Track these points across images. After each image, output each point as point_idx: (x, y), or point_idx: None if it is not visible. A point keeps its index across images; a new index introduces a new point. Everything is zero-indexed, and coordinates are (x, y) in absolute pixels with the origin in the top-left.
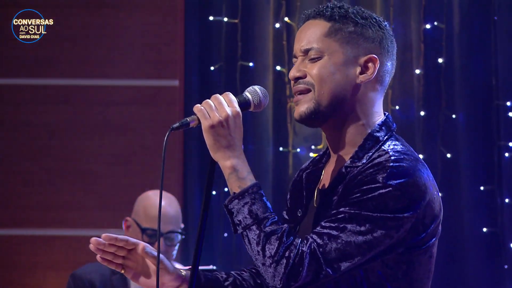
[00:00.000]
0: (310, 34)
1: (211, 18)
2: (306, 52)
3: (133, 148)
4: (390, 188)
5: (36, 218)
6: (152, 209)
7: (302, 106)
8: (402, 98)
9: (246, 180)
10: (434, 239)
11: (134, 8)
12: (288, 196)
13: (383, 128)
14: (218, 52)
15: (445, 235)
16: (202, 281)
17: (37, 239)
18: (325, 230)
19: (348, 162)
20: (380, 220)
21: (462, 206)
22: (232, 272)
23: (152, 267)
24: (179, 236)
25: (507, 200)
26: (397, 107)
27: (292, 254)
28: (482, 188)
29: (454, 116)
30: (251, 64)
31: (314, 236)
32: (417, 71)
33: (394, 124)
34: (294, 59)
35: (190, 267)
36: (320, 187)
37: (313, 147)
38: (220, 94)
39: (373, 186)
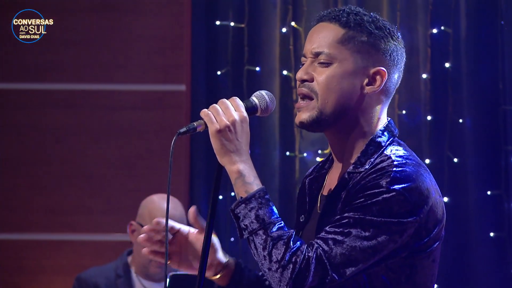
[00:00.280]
0: (323, 38)
1: (217, 22)
2: (316, 55)
3: (139, 152)
4: (394, 193)
5: (43, 222)
6: (157, 212)
7: (304, 113)
8: (409, 102)
9: (253, 185)
10: (437, 243)
11: (141, 13)
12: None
13: (385, 133)
14: (225, 56)
15: (452, 240)
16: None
17: (44, 243)
18: (330, 235)
19: (351, 168)
20: (384, 224)
21: (469, 211)
22: None
23: (194, 249)
24: None
25: None
26: (404, 112)
27: (298, 260)
28: (489, 192)
29: (461, 120)
30: (257, 68)
31: (320, 242)
32: (424, 76)
33: (397, 129)
34: (303, 59)
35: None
36: (323, 193)
37: (319, 151)
38: (227, 99)
39: (376, 191)
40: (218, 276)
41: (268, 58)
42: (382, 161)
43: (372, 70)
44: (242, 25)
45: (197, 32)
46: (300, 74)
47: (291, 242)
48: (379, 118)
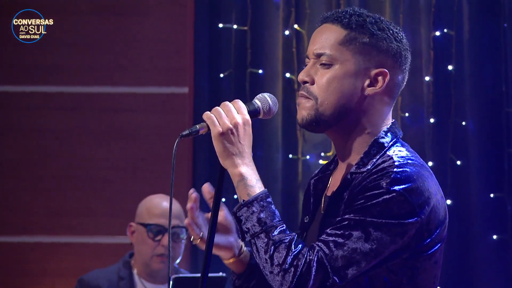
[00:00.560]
0: (325, 39)
1: (220, 25)
2: (318, 56)
3: (142, 155)
4: (394, 194)
5: (45, 225)
6: (154, 208)
7: (304, 110)
8: (411, 105)
9: (255, 187)
10: (439, 244)
11: (144, 15)
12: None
13: (388, 134)
14: (228, 59)
15: (455, 242)
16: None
17: (46, 246)
18: (331, 238)
19: (354, 168)
20: (384, 226)
21: (472, 214)
22: None
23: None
24: (185, 232)
25: None
26: (406, 114)
27: (300, 263)
28: (492, 195)
29: (464, 123)
30: (260, 71)
31: (321, 244)
32: (427, 78)
33: (400, 130)
34: (306, 60)
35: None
36: (327, 194)
37: (322, 154)
38: (230, 101)
39: (377, 192)
40: (234, 259)
41: (271, 60)
42: (383, 162)
43: (374, 71)
44: (245, 28)
45: (200, 34)
46: (301, 76)
47: (293, 246)
48: (382, 119)
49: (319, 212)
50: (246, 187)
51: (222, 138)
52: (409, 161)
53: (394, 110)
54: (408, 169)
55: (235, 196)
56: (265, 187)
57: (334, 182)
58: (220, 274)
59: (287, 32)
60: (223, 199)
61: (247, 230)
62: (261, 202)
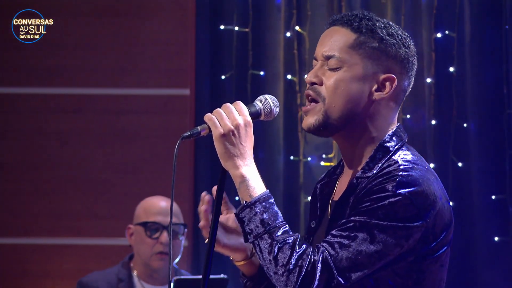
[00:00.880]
0: (334, 42)
1: (222, 27)
2: (327, 58)
3: (144, 156)
4: (400, 197)
5: (47, 226)
6: (151, 207)
7: (311, 117)
8: (413, 107)
9: (257, 189)
10: (445, 248)
11: (145, 17)
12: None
13: (393, 138)
14: (229, 61)
15: (456, 244)
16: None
17: (48, 248)
18: (336, 239)
19: (359, 173)
20: (390, 229)
21: (473, 215)
22: None
23: (222, 228)
24: (183, 228)
25: None
26: (408, 116)
27: (304, 263)
28: (493, 197)
29: (465, 125)
30: (262, 73)
31: (326, 245)
32: (428, 80)
33: (406, 134)
34: (314, 61)
35: (202, 276)
36: (333, 198)
37: (324, 156)
38: (231, 103)
39: (382, 195)
40: (246, 261)
41: (272, 62)
42: (389, 166)
43: (382, 77)
44: (246, 30)
45: (202, 36)
46: (309, 77)
47: (297, 246)
48: (388, 124)
49: (325, 217)
50: (248, 188)
51: (224, 140)
52: (415, 165)
53: None
54: (413, 173)
55: (237, 198)
56: (267, 189)
57: (340, 187)
58: (222, 276)
59: (288, 34)
60: None
61: (250, 231)
62: (264, 203)
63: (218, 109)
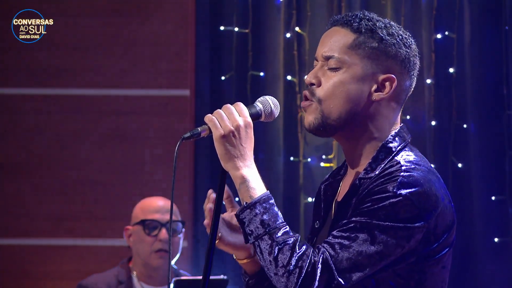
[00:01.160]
0: (334, 42)
1: (222, 28)
2: (326, 58)
3: (144, 157)
4: (401, 198)
5: (47, 227)
6: (148, 206)
7: (310, 115)
8: (413, 107)
9: (257, 190)
10: (447, 249)
11: (145, 18)
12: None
13: (396, 139)
14: (229, 62)
15: (456, 245)
16: None
17: (48, 249)
18: (336, 240)
19: (362, 174)
20: (391, 229)
21: (473, 216)
22: None
23: (226, 227)
24: (181, 226)
25: None
26: (408, 117)
27: (304, 264)
28: (493, 198)
29: (465, 125)
30: (261, 74)
31: (326, 246)
32: (428, 81)
33: (409, 134)
34: (315, 62)
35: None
36: (337, 199)
37: (324, 156)
38: (231, 104)
39: (383, 195)
40: (249, 259)
41: (272, 63)
42: (391, 166)
43: (382, 77)
44: (246, 31)
45: (202, 37)
46: (308, 78)
47: (297, 247)
48: (390, 124)
49: (329, 218)
50: (248, 189)
51: (224, 141)
52: (417, 166)
53: None
54: (415, 174)
55: (237, 199)
56: (267, 189)
57: (343, 188)
58: (222, 276)
59: (288, 35)
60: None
61: (250, 232)
62: (264, 204)
63: (219, 110)
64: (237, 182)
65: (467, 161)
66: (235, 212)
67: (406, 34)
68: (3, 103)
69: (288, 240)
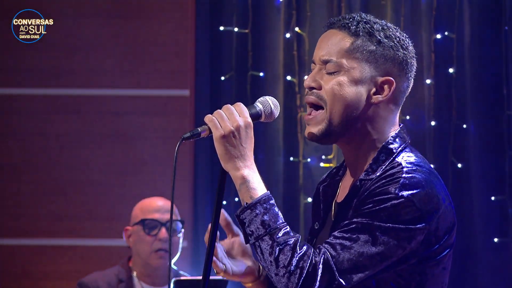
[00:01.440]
0: (331, 46)
1: (221, 28)
2: (325, 62)
3: (143, 157)
4: (402, 199)
5: (47, 227)
6: (147, 206)
7: (314, 127)
8: (412, 108)
9: (258, 190)
10: (447, 250)
11: (145, 18)
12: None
13: (396, 140)
14: (229, 62)
15: (456, 245)
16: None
17: (48, 249)
18: (338, 241)
19: (363, 175)
20: (392, 231)
21: (473, 217)
22: None
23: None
24: (181, 225)
25: None
26: (407, 117)
27: (305, 265)
28: (493, 198)
29: (465, 126)
30: (261, 74)
31: (327, 246)
32: (428, 81)
33: (409, 135)
34: (312, 65)
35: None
36: (337, 200)
37: (323, 157)
38: (231, 104)
39: (385, 197)
40: (255, 282)
41: (272, 63)
42: (392, 168)
43: (380, 80)
44: (246, 31)
45: (201, 37)
46: (308, 82)
47: (298, 247)
48: (389, 126)
49: (329, 219)
50: (249, 189)
51: (224, 141)
52: (418, 167)
53: None
54: (417, 175)
55: (237, 199)
56: (267, 190)
57: (343, 189)
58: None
59: (288, 35)
60: (224, 202)
61: (250, 232)
62: (264, 205)
63: (219, 110)
64: (237, 183)
65: (467, 161)
66: (235, 238)
67: (403, 36)
68: (3, 103)
69: (289, 241)
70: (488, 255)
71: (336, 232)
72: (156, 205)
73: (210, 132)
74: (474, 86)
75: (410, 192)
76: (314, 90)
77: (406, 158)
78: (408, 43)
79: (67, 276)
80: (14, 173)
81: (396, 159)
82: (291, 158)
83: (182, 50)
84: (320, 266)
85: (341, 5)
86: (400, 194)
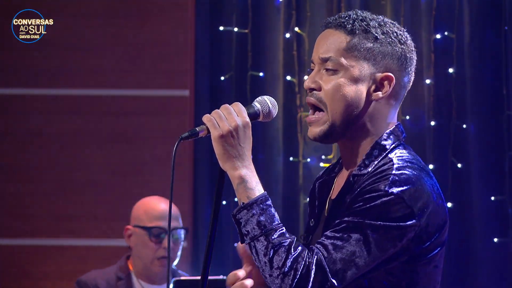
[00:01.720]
0: (329, 45)
1: (221, 28)
2: (324, 60)
3: (143, 158)
4: (392, 196)
5: (47, 227)
6: (152, 211)
7: (316, 128)
8: (412, 108)
9: (255, 190)
10: (439, 248)
11: (145, 18)
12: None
13: (390, 137)
14: (228, 62)
15: (456, 245)
16: None
17: (48, 249)
18: (329, 240)
19: (356, 170)
20: (383, 228)
21: (473, 217)
22: None
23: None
24: (184, 233)
25: None
26: (407, 117)
27: (299, 266)
28: (493, 198)
29: (464, 126)
30: (261, 74)
31: (319, 247)
32: (428, 81)
33: (404, 133)
34: (312, 65)
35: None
36: (331, 197)
37: (323, 157)
38: (230, 104)
39: (375, 194)
40: None
41: (271, 63)
42: (384, 164)
43: (380, 76)
44: (246, 31)
45: (201, 37)
46: (307, 83)
47: (292, 249)
48: (386, 122)
49: (323, 216)
50: (246, 189)
51: (222, 141)
52: (409, 164)
53: None
54: (407, 172)
55: (235, 199)
56: (265, 190)
57: (338, 185)
58: (221, 277)
59: (287, 35)
60: (224, 202)
61: (246, 232)
62: (261, 205)
63: (217, 110)
64: (235, 182)
65: (467, 161)
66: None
67: (400, 30)
68: (3, 103)
69: (283, 242)
70: (488, 255)
71: (328, 231)
72: (160, 211)
73: (208, 132)
74: (473, 86)
75: (400, 188)
76: (314, 92)
77: (399, 155)
78: (407, 37)
79: (67, 276)
80: (13, 173)
81: (389, 155)
82: (291, 158)
83: (182, 50)
84: (313, 267)
85: (341, 5)
86: (390, 191)
